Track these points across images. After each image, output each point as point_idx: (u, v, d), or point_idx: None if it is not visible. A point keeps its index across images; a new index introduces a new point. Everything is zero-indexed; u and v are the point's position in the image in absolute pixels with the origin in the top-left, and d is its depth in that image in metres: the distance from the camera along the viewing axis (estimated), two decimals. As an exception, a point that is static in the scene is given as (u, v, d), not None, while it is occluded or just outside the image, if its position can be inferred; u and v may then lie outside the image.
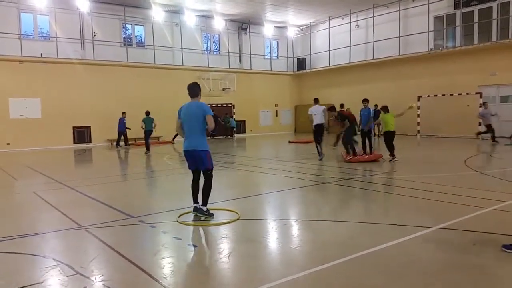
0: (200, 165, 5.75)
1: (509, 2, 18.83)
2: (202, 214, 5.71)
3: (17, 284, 3.61)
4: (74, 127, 20.68)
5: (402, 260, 4.04)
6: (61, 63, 20.00)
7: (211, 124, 5.54)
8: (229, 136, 25.56)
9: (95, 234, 5.11)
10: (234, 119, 26.09)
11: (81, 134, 20.79)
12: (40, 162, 14.21)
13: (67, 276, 3.77)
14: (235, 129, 25.86)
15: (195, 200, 5.84)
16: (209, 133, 6.92)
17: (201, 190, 5.76)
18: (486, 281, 3.58)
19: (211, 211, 5.82)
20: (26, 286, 3.58)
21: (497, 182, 8.03)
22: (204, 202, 5.76)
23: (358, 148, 12.40)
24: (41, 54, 19.66)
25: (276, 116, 29.02)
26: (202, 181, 5.85)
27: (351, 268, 3.86)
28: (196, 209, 5.78)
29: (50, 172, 11.13)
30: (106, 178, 10.07)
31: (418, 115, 20.46)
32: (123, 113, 20.06)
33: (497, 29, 19.13)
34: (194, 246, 4.70)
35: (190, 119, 5.63)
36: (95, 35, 21.18)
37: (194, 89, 5.75)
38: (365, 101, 12.66)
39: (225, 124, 25.11)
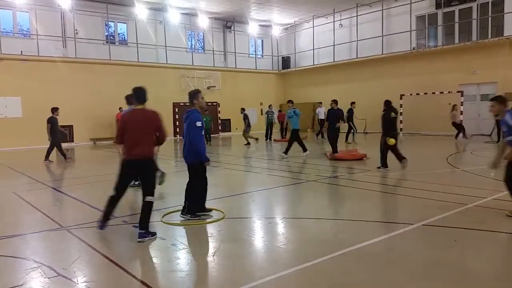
0: None
1: (488, 2, 19.21)
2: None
3: (-3, 287, 3.54)
4: (56, 126, 20.28)
5: (386, 256, 4.09)
6: (42, 61, 19.55)
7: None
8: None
9: (77, 235, 5.04)
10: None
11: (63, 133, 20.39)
12: (21, 162, 13.92)
13: (49, 278, 3.71)
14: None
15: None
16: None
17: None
18: (467, 276, 3.65)
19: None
20: (5, 289, 3.51)
21: (477, 179, 8.20)
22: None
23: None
24: (21, 51, 19.22)
25: (262, 114, 29.01)
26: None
27: (335, 265, 3.90)
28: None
29: (31, 172, 10.91)
30: (89, 178, 9.92)
31: (401, 113, 20.72)
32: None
33: (477, 29, 19.50)
34: (179, 246, 4.67)
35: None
36: (77, 33, 20.81)
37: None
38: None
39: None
